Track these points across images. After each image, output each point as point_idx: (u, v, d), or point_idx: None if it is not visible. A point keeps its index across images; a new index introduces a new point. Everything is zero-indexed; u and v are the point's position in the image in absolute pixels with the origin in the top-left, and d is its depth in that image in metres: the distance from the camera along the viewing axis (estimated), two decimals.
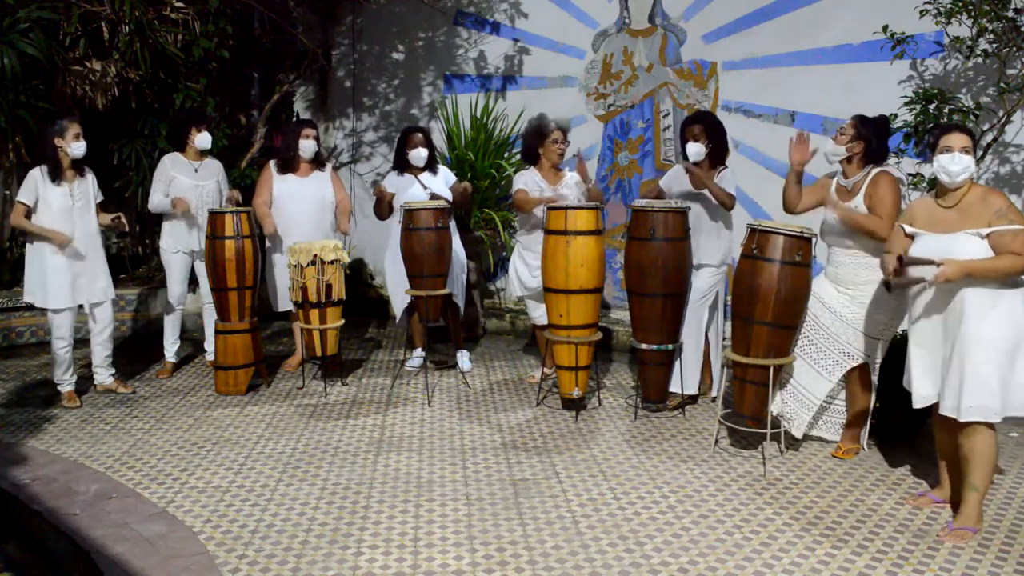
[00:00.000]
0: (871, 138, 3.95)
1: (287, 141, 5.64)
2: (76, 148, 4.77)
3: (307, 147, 5.55)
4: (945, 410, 3.32)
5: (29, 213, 4.75)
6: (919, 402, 3.46)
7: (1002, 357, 3.21)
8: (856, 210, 3.93)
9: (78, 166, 4.89)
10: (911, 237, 3.44)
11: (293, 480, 3.88)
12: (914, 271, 3.36)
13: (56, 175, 4.76)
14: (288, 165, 5.58)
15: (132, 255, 7.11)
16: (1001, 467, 3.94)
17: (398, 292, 5.64)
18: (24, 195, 4.74)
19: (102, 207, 5.05)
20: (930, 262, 3.28)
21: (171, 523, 3.42)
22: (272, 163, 5.66)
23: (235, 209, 5.11)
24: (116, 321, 5.25)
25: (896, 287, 3.47)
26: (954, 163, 3.30)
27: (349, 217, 5.75)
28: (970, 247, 3.23)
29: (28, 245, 4.86)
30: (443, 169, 5.74)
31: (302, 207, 5.53)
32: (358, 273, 7.93)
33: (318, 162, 5.68)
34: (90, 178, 4.97)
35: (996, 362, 3.21)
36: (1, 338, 6.16)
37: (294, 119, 8.00)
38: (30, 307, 6.22)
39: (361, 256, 7.98)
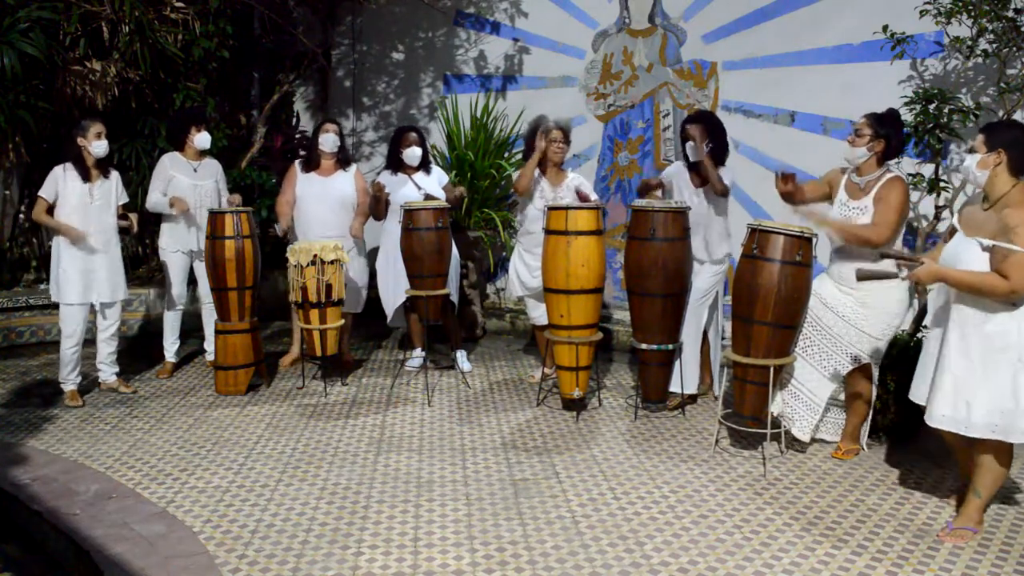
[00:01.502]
0: (891, 136, 3.93)
1: (311, 140, 5.67)
2: (97, 147, 4.87)
3: (327, 140, 5.52)
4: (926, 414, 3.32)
5: (50, 209, 4.86)
6: (912, 395, 3.50)
7: (986, 376, 3.16)
8: (865, 211, 3.91)
9: (102, 166, 4.98)
10: (954, 232, 3.40)
11: (293, 480, 3.88)
12: (885, 266, 3.44)
13: (83, 175, 4.86)
14: (311, 162, 5.58)
15: (132, 255, 7.11)
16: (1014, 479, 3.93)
17: (389, 294, 5.65)
18: (45, 191, 4.85)
19: (125, 208, 5.12)
20: (913, 259, 3.31)
21: (171, 523, 3.42)
22: (297, 162, 5.67)
23: (235, 209, 5.12)
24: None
25: (862, 278, 3.55)
26: (962, 167, 3.33)
27: (365, 219, 5.70)
28: (972, 255, 3.17)
29: (52, 240, 4.97)
30: (436, 169, 5.74)
31: (325, 206, 5.50)
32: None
33: (343, 161, 5.66)
34: (114, 179, 5.05)
35: (975, 378, 3.17)
36: (1, 338, 6.16)
37: (294, 119, 8.02)
38: (30, 307, 6.26)
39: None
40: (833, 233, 3.91)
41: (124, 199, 5.12)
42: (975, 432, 3.19)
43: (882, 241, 3.80)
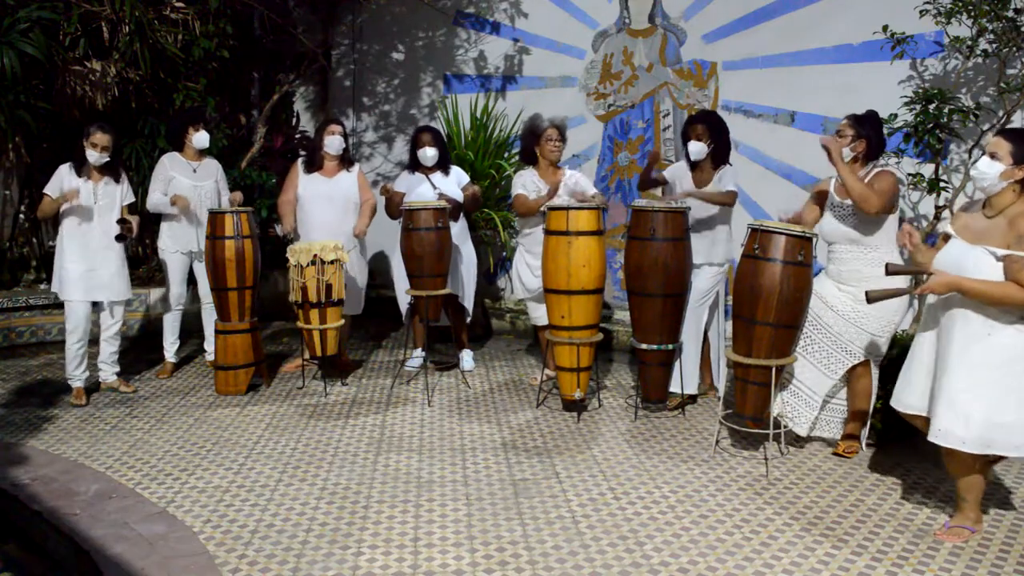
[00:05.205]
0: (871, 135, 3.98)
1: (314, 139, 5.65)
2: (91, 155, 4.90)
3: (332, 143, 5.51)
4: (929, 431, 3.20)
5: None
6: (895, 403, 3.42)
7: (986, 389, 3.05)
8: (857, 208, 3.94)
9: (110, 170, 5.01)
10: (947, 239, 3.28)
11: (293, 480, 3.88)
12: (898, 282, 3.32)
13: (80, 170, 4.93)
14: (314, 163, 5.57)
15: (132, 255, 7.11)
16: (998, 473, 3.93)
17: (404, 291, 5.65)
18: (49, 188, 4.93)
19: (130, 209, 5.15)
20: (921, 272, 3.21)
21: (171, 523, 3.42)
22: (299, 161, 5.66)
23: (235, 209, 5.12)
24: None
25: (873, 299, 3.32)
26: (976, 168, 3.17)
27: (370, 220, 5.66)
28: (981, 265, 3.06)
29: (57, 238, 5.00)
30: (456, 169, 5.71)
31: (327, 207, 5.49)
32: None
33: (346, 161, 5.65)
34: (123, 182, 5.11)
35: (976, 392, 3.05)
36: (1, 338, 6.16)
37: (294, 119, 8.02)
38: (30, 307, 6.26)
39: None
40: (846, 177, 3.85)
41: (129, 199, 5.14)
42: (971, 448, 3.08)
43: (872, 208, 3.80)
